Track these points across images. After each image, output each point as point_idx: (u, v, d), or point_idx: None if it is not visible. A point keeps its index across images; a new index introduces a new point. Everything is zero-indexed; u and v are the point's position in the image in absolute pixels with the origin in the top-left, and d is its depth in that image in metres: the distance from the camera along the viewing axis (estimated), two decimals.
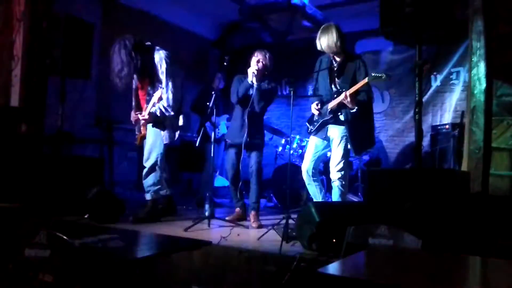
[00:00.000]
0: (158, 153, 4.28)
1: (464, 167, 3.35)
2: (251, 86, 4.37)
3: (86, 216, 4.06)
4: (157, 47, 4.36)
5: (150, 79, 4.31)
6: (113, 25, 6.20)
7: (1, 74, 4.62)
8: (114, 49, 4.15)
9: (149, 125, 4.32)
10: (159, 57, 4.26)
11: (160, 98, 4.21)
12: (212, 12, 7.33)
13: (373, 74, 3.66)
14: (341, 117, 3.89)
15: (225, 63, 4.44)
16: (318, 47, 3.95)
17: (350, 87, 3.77)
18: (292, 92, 3.89)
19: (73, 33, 4.57)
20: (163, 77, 4.23)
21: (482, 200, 3.08)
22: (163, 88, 4.21)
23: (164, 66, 4.23)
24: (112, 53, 4.16)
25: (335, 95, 3.89)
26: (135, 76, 4.34)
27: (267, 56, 4.45)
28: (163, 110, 4.22)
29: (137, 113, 4.43)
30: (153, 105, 4.21)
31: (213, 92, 4.42)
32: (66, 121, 4.90)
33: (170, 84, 4.22)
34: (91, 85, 5.75)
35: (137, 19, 6.45)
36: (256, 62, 4.39)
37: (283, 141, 6.15)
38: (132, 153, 6.48)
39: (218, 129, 5.90)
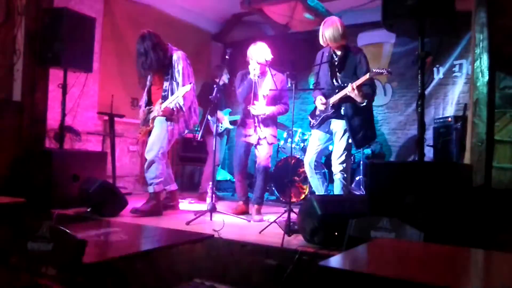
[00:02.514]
0: (160, 146, 4.29)
1: (466, 160, 3.34)
2: (255, 81, 4.42)
3: (88, 210, 4.08)
4: (175, 47, 4.49)
5: (166, 76, 4.40)
6: (114, 18, 6.20)
7: (3, 68, 4.62)
8: (139, 40, 4.33)
9: (158, 118, 4.37)
10: (177, 56, 4.39)
11: (176, 96, 4.28)
12: (213, 5, 7.30)
13: (374, 70, 3.65)
14: (342, 112, 3.88)
15: (227, 56, 4.44)
16: (322, 41, 3.93)
17: (352, 81, 3.75)
18: (293, 85, 3.88)
19: (75, 27, 4.56)
20: (178, 75, 4.33)
21: (484, 193, 3.07)
22: (190, 85, 4.28)
23: (180, 65, 4.35)
24: (138, 44, 4.35)
25: (337, 90, 3.88)
26: (151, 72, 4.45)
27: (265, 48, 4.47)
28: (179, 107, 4.31)
29: (144, 110, 4.52)
30: (171, 101, 4.27)
31: (214, 86, 4.43)
32: (68, 114, 4.90)
33: (185, 83, 4.30)
34: (93, 79, 5.74)
35: (138, 12, 6.43)
36: (257, 63, 4.42)
37: (285, 134, 6.15)
38: (135, 146, 6.49)
39: (221, 123, 5.90)
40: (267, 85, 4.50)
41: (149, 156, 4.31)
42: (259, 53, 4.44)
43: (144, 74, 4.45)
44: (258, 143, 4.54)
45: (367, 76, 3.65)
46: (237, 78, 4.69)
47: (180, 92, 4.21)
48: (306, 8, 6.43)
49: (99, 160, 4.87)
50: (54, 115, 5.06)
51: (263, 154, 4.52)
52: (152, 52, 4.26)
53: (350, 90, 3.69)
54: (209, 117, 5.49)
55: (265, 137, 4.50)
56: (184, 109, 4.34)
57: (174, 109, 4.31)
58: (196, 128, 6.29)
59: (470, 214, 2.81)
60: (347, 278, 1.29)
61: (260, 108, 4.45)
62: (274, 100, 4.54)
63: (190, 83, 4.29)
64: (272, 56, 4.49)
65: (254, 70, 4.43)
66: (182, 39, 6.61)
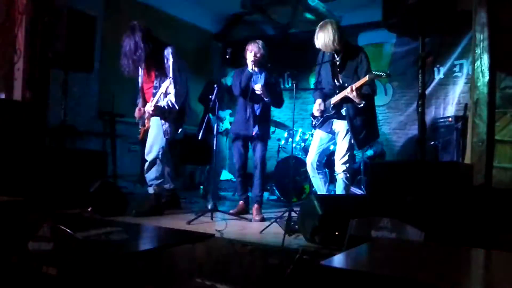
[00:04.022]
0: (159, 147, 4.27)
1: (467, 159, 3.34)
2: (252, 74, 4.38)
3: (89, 209, 4.08)
4: (165, 41, 4.37)
5: (157, 72, 4.30)
6: (116, 18, 6.20)
7: (4, 67, 4.62)
8: (128, 32, 4.16)
9: (153, 118, 4.32)
10: (167, 51, 4.25)
11: (167, 92, 4.18)
12: (214, 5, 7.31)
13: (374, 72, 3.64)
14: (343, 112, 3.88)
15: (227, 56, 4.43)
16: (317, 46, 3.92)
17: (353, 81, 3.74)
18: (294, 85, 3.88)
19: (75, 26, 4.56)
20: (169, 71, 4.22)
21: (485, 193, 3.07)
22: (170, 79, 4.17)
23: (171, 60, 4.22)
24: (126, 36, 4.17)
25: (338, 90, 3.88)
26: (141, 69, 4.34)
27: (260, 45, 4.44)
28: (170, 105, 4.22)
29: (140, 108, 4.45)
30: (160, 98, 4.18)
31: (215, 85, 4.42)
32: (69, 114, 4.91)
33: (177, 79, 4.22)
34: (94, 78, 5.75)
35: (139, 12, 6.43)
36: (253, 56, 4.37)
37: (285, 134, 6.14)
38: (135, 146, 6.49)
39: (222, 123, 5.90)
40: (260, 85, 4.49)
41: (149, 157, 4.29)
42: (257, 48, 4.43)
43: (133, 68, 4.21)
44: (253, 138, 4.53)
45: (366, 78, 3.65)
46: (234, 75, 4.66)
47: (162, 89, 4.09)
48: (306, 8, 6.44)
49: (100, 160, 4.87)
50: (55, 114, 5.06)
51: (258, 151, 4.51)
52: (143, 44, 4.09)
53: (349, 91, 3.69)
54: (210, 116, 5.49)
55: (259, 132, 4.49)
56: (176, 106, 4.24)
57: (166, 107, 4.22)
58: (197, 128, 6.30)
59: (471, 214, 2.81)
60: (348, 277, 1.30)
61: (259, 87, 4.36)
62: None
63: (170, 78, 4.14)
64: (260, 54, 4.42)
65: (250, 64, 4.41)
66: (182, 39, 6.62)
